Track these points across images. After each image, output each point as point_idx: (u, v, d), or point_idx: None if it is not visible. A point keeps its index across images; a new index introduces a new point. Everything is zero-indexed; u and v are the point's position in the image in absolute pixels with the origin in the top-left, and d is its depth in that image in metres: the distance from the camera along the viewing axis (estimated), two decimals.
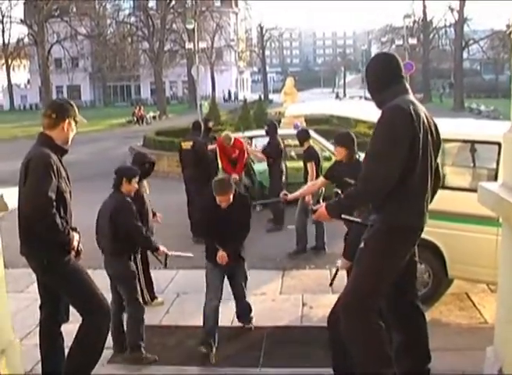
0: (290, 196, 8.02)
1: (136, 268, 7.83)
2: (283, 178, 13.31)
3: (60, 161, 5.26)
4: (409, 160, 4.40)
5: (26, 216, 5.12)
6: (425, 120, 4.58)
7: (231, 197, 6.95)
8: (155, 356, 6.91)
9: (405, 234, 4.65)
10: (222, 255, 6.98)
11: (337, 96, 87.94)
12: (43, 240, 5.18)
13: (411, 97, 4.71)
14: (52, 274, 5.35)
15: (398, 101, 4.55)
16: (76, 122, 5.44)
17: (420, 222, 4.71)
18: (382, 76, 4.78)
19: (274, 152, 13.36)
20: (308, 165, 10.99)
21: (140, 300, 6.98)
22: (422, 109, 4.64)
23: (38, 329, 5.76)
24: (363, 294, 4.67)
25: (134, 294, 6.86)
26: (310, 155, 11.15)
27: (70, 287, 5.38)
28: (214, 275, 7.12)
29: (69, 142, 5.40)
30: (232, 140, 13.21)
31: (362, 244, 4.71)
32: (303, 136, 11.55)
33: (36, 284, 9.40)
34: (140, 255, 7.83)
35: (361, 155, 6.36)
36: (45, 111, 5.39)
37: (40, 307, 5.78)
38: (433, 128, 4.73)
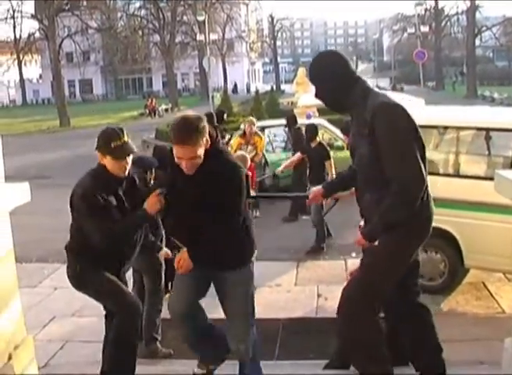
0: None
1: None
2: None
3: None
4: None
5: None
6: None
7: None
8: (170, 350, 6.87)
9: (420, 232, 4.56)
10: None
11: None
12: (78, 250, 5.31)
13: (378, 90, 4.60)
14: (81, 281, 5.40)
15: (381, 98, 4.39)
16: (115, 158, 5.06)
17: (432, 218, 4.63)
18: (344, 75, 4.47)
19: (299, 146, 12.77)
20: (327, 163, 10.91)
21: (163, 291, 6.98)
22: None
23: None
24: (368, 291, 4.57)
25: (159, 284, 6.84)
26: (326, 153, 11.08)
27: (98, 288, 5.38)
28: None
29: (121, 173, 5.15)
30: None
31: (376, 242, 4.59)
32: (311, 132, 11.43)
33: (48, 280, 9.56)
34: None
35: None
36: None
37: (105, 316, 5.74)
38: None
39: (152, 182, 7.20)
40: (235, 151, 12.50)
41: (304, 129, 12.44)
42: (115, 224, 5.05)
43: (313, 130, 11.39)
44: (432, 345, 5.01)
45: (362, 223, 4.88)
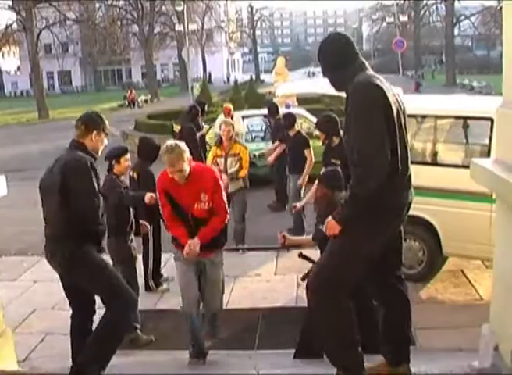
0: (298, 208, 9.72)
1: (147, 253, 8.00)
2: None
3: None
4: (389, 136, 4.30)
5: (81, 216, 5.20)
6: (392, 95, 4.48)
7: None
8: (151, 336, 6.91)
9: (387, 213, 4.53)
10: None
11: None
12: (76, 236, 5.24)
13: (372, 72, 4.63)
14: (78, 269, 5.34)
15: (363, 77, 4.44)
16: (105, 134, 5.52)
17: (403, 199, 4.59)
18: (341, 54, 4.61)
19: (281, 136, 12.62)
20: (306, 152, 10.83)
21: (139, 283, 7.06)
22: (387, 83, 4.56)
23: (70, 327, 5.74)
24: (331, 277, 4.52)
25: (132, 274, 6.90)
26: (305, 141, 11.03)
27: (96, 279, 5.38)
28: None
29: (99, 152, 5.54)
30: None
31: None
32: (289, 121, 11.42)
33: (28, 273, 9.52)
34: (152, 241, 8.00)
35: None
36: (76, 122, 5.52)
37: (72, 316, 5.78)
38: (400, 101, 4.64)
39: (135, 174, 7.43)
40: (211, 163, 10.02)
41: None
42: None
43: (291, 118, 11.38)
44: (404, 335, 5.01)
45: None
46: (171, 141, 5.85)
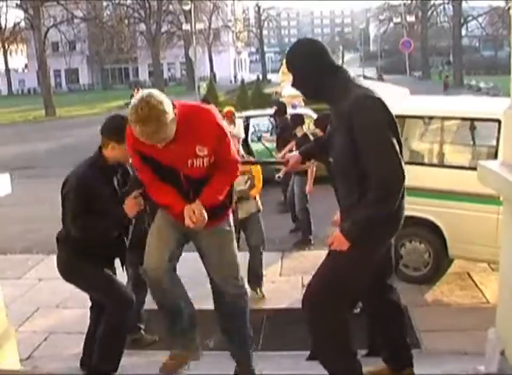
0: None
1: None
2: None
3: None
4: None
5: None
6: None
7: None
8: (155, 337, 6.88)
9: (393, 226, 4.45)
10: None
11: None
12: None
13: (363, 83, 4.44)
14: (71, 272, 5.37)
15: (362, 90, 4.23)
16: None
17: (403, 210, 4.51)
18: (323, 64, 4.26)
19: (289, 136, 12.21)
20: None
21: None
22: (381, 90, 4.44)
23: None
24: (333, 289, 4.38)
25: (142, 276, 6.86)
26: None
27: (89, 280, 5.37)
28: None
29: (126, 160, 5.14)
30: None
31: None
32: (296, 121, 11.24)
33: (33, 271, 9.52)
34: None
35: None
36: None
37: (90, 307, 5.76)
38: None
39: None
40: None
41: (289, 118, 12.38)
42: (90, 220, 5.06)
43: (298, 119, 11.29)
44: (401, 341, 4.98)
45: (337, 216, 4.75)
46: (142, 96, 4.04)
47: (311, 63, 4.24)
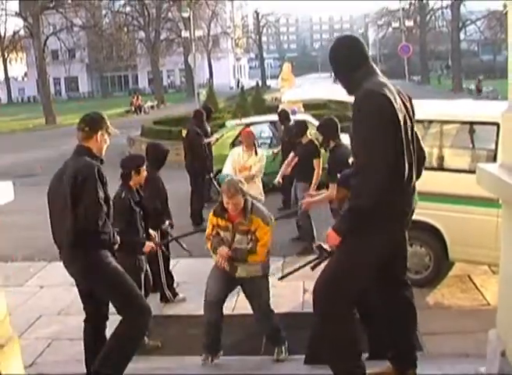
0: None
1: (158, 263, 7.86)
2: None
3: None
4: (396, 146, 4.26)
5: (84, 223, 5.19)
6: (400, 100, 4.46)
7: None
8: (158, 342, 6.91)
9: (390, 221, 4.49)
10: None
11: (335, 80, 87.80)
12: (88, 244, 5.27)
13: (381, 78, 4.58)
14: (93, 276, 5.41)
15: (370, 84, 4.39)
16: (109, 134, 5.57)
17: (405, 206, 4.56)
18: (351, 58, 4.60)
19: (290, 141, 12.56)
20: (315, 162, 10.53)
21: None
22: (395, 89, 4.53)
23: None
24: (338, 287, 4.53)
25: (139, 285, 6.86)
26: (315, 152, 10.64)
27: (112, 287, 5.44)
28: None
29: (103, 152, 5.56)
30: None
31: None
32: (300, 129, 11.13)
33: (35, 278, 9.54)
34: (161, 251, 7.88)
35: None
36: (79, 125, 5.55)
37: (85, 321, 5.82)
38: (408, 105, 4.63)
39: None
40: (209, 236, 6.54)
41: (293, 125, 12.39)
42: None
43: (301, 126, 11.24)
44: (409, 341, 5.01)
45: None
46: None
47: (340, 56, 4.67)
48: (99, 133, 5.43)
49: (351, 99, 4.56)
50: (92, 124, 5.48)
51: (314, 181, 10.38)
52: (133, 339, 5.46)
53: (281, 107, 18.10)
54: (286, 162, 11.68)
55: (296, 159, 11.15)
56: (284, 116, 13.88)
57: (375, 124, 4.19)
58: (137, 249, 6.74)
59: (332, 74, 4.84)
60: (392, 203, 4.33)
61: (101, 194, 5.19)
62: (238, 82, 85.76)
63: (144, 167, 7.07)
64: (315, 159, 10.47)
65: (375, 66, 4.70)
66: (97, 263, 5.31)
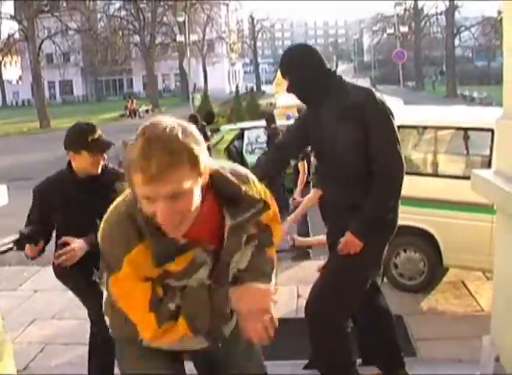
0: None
1: None
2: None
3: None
4: None
5: None
6: None
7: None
8: None
9: (392, 228, 4.48)
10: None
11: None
12: None
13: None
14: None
15: (364, 88, 4.35)
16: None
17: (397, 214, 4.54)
18: (322, 64, 4.41)
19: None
20: (300, 164, 10.49)
21: None
22: None
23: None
24: (336, 296, 4.42)
25: None
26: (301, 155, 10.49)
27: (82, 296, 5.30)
28: None
29: (94, 170, 4.99)
30: None
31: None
32: None
33: (29, 282, 9.51)
34: None
35: None
36: None
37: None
38: None
39: None
40: None
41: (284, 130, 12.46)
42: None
43: None
44: (393, 344, 5.01)
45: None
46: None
47: (305, 65, 4.37)
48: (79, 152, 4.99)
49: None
50: (70, 140, 5.07)
51: (298, 185, 10.33)
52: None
53: (275, 112, 18.15)
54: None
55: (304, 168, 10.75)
56: (271, 119, 14.21)
57: (393, 126, 4.19)
58: None
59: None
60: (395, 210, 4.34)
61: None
62: (237, 87, 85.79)
63: None
64: (300, 162, 10.43)
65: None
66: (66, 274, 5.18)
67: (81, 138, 4.86)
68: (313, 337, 4.66)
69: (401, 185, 4.21)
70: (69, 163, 5.06)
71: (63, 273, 5.19)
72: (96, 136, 4.93)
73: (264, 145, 17.03)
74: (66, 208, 4.93)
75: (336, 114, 4.29)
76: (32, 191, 5.01)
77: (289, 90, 4.54)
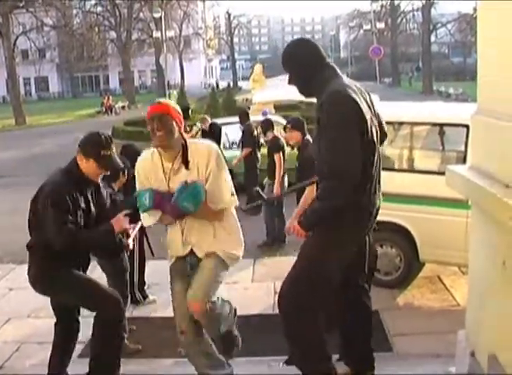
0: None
1: (132, 265, 7.78)
2: (258, 166, 13.46)
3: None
4: (364, 147, 4.29)
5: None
6: (364, 100, 4.46)
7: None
8: (138, 346, 6.86)
9: (356, 224, 4.51)
10: None
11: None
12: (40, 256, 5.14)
13: (344, 79, 4.56)
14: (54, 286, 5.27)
15: (336, 86, 4.36)
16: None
17: (372, 205, 4.57)
18: (312, 60, 4.52)
19: (249, 141, 13.55)
20: (276, 156, 10.80)
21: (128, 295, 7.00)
22: (360, 90, 4.53)
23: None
24: (304, 287, 4.50)
25: (122, 286, 6.79)
26: (276, 146, 11.00)
27: (76, 290, 5.29)
28: None
29: (95, 178, 5.26)
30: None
31: (310, 234, 4.53)
32: (266, 126, 11.58)
33: (4, 281, 9.44)
34: (138, 254, 7.82)
35: None
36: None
37: (56, 324, 5.71)
38: (373, 108, 4.63)
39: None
40: None
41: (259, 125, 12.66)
42: (79, 231, 4.96)
43: (267, 123, 11.56)
44: (367, 344, 5.03)
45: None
46: None
47: (299, 60, 4.55)
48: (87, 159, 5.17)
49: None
50: (85, 146, 5.20)
51: (276, 176, 10.54)
52: (112, 334, 5.34)
53: (252, 108, 18.16)
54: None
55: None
56: (244, 116, 14.42)
57: (344, 125, 4.19)
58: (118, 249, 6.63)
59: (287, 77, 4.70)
60: (357, 203, 4.34)
61: (57, 220, 4.94)
62: (217, 84, 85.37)
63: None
64: (275, 154, 10.70)
65: (335, 67, 4.65)
66: (50, 278, 5.19)
67: (94, 148, 5.06)
68: (287, 329, 4.71)
69: (350, 184, 4.20)
70: (75, 161, 5.19)
71: (57, 280, 5.19)
72: (108, 153, 5.10)
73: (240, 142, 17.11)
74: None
75: (315, 113, 4.49)
76: (51, 202, 4.92)
77: (289, 82, 4.71)
